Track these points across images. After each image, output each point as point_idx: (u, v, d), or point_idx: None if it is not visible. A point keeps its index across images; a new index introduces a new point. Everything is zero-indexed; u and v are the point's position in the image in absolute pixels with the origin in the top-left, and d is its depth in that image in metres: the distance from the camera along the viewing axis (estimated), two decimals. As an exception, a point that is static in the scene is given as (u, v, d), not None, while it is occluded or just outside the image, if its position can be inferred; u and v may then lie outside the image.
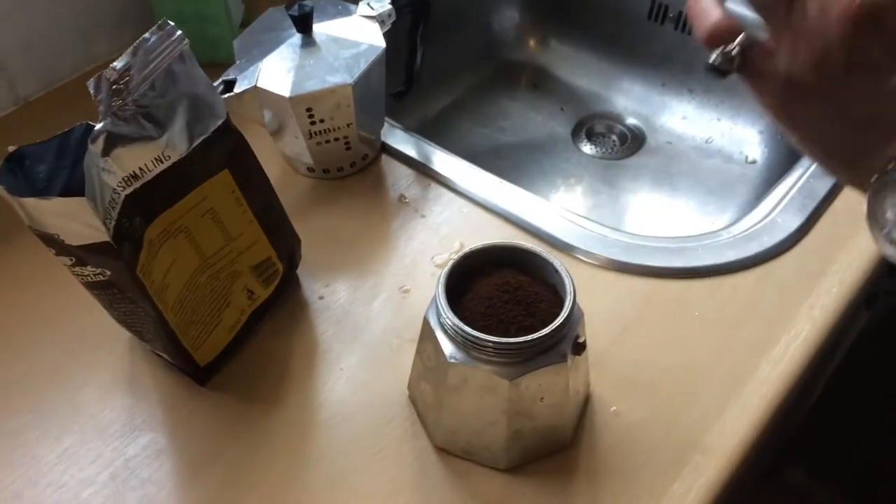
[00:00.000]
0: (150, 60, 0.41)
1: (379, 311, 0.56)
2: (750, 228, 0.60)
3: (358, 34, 0.61)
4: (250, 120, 0.60)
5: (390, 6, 0.63)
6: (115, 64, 0.39)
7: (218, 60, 0.72)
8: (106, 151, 0.40)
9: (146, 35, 0.41)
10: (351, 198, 0.64)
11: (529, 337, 0.42)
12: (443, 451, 0.48)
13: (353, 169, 0.66)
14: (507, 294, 0.45)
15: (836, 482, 1.18)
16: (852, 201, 0.62)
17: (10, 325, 0.55)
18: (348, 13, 0.63)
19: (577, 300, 0.44)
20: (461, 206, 0.63)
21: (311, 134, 0.61)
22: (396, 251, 0.60)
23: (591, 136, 0.92)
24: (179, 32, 0.42)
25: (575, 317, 0.45)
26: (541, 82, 0.97)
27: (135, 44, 0.40)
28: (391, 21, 0.63)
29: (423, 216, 0.63)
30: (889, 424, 1.11)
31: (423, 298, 0.57)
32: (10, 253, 0.59)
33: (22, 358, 0.53)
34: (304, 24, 0.59)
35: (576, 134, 0.92)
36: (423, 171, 0.66)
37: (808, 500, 1.17)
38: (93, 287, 0.44)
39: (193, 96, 0.43)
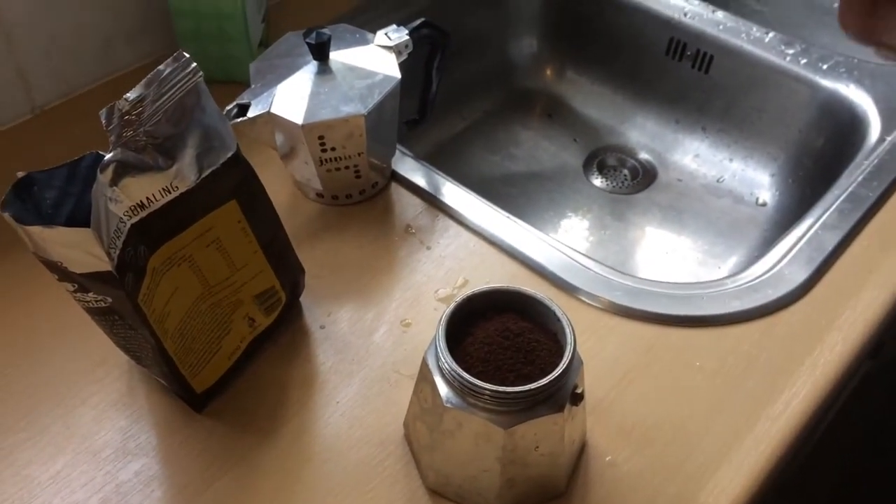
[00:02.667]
0: (163, 92, 0.41)
1: (379, 343, 0.56)
2: (756, 279, 0.59)
3: (374, 64, 0.61)
4: (262, 143, 0.61)
5: (408, 37, 0.63)
6: (128, 95, 0.40)
7: (236, 78, 0.73)
8: (114, 181, 0.40)
9: (161, 67, 0.41)
10: (358, 225, 0.64)
11: (527, 387, 0.42)
12: (435, 493, 0.48)
13: (363, 196, 0.66)
14: (507, 340, 0.45)
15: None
16: (860, 256, 0.61)
17: (7, 342, 0.55)
18: (365, 42, 0.63)
19: (578, 346, 0.44)
20: (467, 239, 0.63)
21: (321, 161, 0.61)
22: (400, 283, 0.60)
23: (603, 169, 0.91)
24: (194, 65, 0.42)
25: (574, 367, 0.44)
26: (555, 112, 0.97)
27: (149, 75, 0.40)
28: (408, 52, 0.64)
29: (428, 248, 0.62)
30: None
31: (423, 332, 0.57)
32: (12, 268, 0.59)
33: (18, 375, 0.53)
34: (320, 52, 0.60)
35: (587, 166, 0.92)
36: (432, 201, 0.66)
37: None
38: (94, 313, 0.44)
39: (205, 128, 0.43)
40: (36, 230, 0.38)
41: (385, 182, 0.67)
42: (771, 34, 0.82)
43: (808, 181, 0.81)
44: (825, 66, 0.79)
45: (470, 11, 0.94)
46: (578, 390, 0.45)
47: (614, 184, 0.90)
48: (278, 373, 0.54)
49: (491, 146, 0.94)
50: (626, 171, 0.91)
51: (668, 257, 0.82)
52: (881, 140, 0.71)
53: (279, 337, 0.56)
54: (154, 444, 0.50)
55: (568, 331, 0.44)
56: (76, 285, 0.41)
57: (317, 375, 0.54)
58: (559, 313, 0.45)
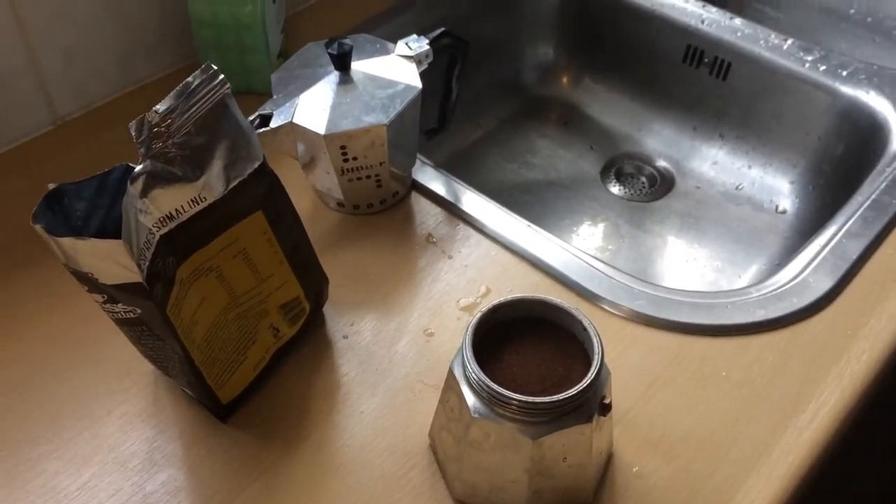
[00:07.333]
0: (192, 104, 0.41)
1: (402, 353, 0.56)
2: (780, 287, 0.59)
3: (395, 74, 0.61)
4: (283, 154, 0.61)
5: (428, 47, 0.63)
6: (157, 107, 0.40)
7: (254, 89, 0.73)
8: (144, 193, 0.40)
9: (189, 79, 0.41)
10: (379, 235, 0.64)
11: (555, 397, 0.42)
12: None
13: (383, 206, 0.66)
14: (537, 353, 0.45)
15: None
16: (885, 264, 0.61)
17: (34, 352, 0.56)
18: (386, 52, 0.63)
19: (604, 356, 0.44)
20: (489, 248, 0.63)
21: (343, 171, 0.61)
22: (421, 292, 0.60)
23: (620, 177, 0.91)
24: (222, 77, 0.42)
25: (602, 378, 0.44)
26: (571, 120, 0.97)
27: (178, 87, 0.41)
28: (428, 62, 0.64)
29: (450, 257, 0.62)
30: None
31: (446, 342, 0.56)
32: (37, 279, 0.60)
33: (44, 385, 0.53)
34: (342, 62, 0.60)
35: (605, 173, 0.92)
36: (452, 210, 0.66)
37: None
38: (122, 323, 0.45)
39: (232, 138, 0.44)
40: (68, 242, 0.38)
41: (405, 191, 0.67)
42: (790, 41, 0.82)
43: (828, 188, 0.81)
44: (845, 73, 0.79)
45: (485, 20, 0.94)
46: (606, 400, 0.44)
47: (632, 191, 0.90)
48: (302, 383, 0.54)
49: (507, 154, 0.94)
50: (643, 179, 0.91)
51: (688, 265, 0.82)
52: (903, 147, 0.71)
53: (303, 347, 0.56)
54: (180, 455, 0.50)
55: (595, 341, 0.44)
56: (105, 296, 0.42)
57: (340, 386, 0.54)
58: (586, 323, 0.45)
